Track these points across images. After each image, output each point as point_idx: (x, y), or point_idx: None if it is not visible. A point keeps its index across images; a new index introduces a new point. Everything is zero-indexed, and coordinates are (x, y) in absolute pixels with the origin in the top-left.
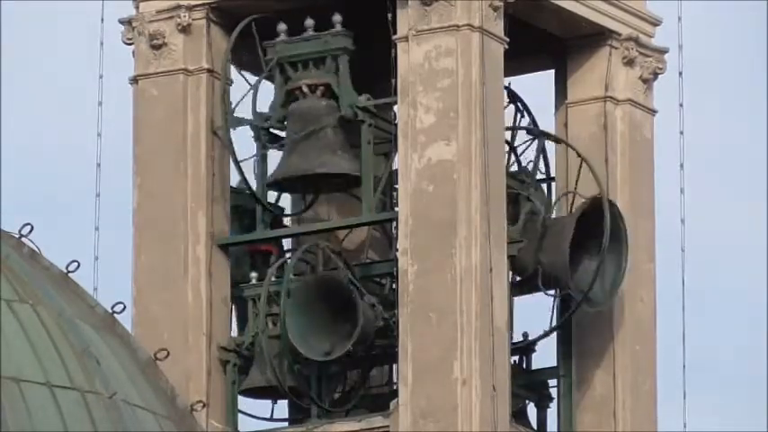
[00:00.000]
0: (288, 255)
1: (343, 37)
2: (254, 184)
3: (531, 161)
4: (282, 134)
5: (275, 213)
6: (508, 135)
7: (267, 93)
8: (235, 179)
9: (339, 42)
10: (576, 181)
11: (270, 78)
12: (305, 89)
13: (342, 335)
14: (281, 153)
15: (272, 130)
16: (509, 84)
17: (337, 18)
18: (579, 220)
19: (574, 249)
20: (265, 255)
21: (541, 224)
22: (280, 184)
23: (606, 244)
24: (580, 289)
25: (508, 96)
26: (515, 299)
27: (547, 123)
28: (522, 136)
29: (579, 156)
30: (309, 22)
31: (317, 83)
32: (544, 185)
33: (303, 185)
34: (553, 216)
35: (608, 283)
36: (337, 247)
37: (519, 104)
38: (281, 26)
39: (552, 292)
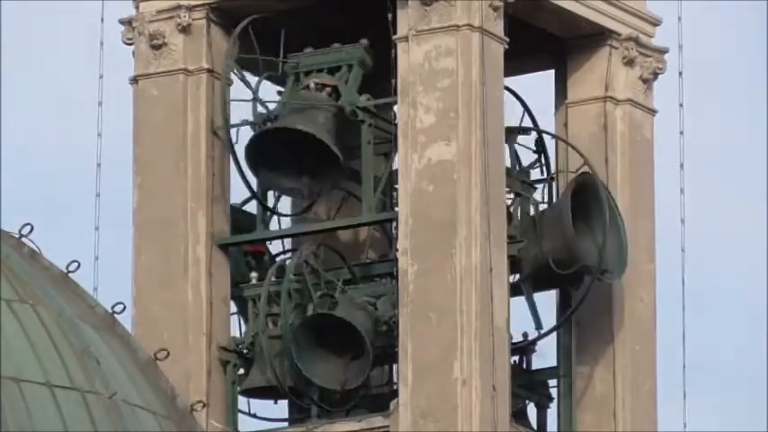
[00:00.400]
0: (286, 255)
1: (364, 51)
2: (253, 184)
3: (518, 160)
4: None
5: (275, 214)
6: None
7: (268, 94)
8: (236, 188)
9: (357, 53)
10: (555, 168)
11: (270, 79)
12: (312, 86)
13: (350, 358)
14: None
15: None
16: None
17: (364, 41)
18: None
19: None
20: (258, 255)
21: (537, 218)
22: (261, 148)
23: (607, 214)
24: (592, 264)
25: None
26: (515, 298)
27: (547, 123)
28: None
29: (581, 155)
30: (337, 44)
31: (326, 83)
32: (544, 185)
33: (286, 152)
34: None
35: (616, 255)
36: (335, 244)
37: (520, 104)
38: (309, 49)
39: (570, 272)
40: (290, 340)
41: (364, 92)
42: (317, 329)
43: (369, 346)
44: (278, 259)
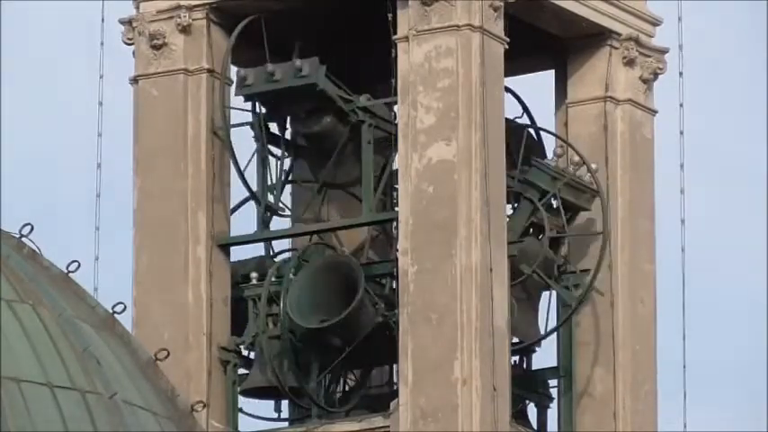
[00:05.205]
0: (286, 254)
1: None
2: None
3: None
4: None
5: (275, 214)
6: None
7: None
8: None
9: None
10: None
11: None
12: None
13: (338, 313)
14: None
15: (272, 130)
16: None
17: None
18: None
19: None
20: None
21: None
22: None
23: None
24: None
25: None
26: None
27: (547, 123)
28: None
29: (580, 156)
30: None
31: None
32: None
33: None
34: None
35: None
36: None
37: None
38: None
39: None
40: (294, 275)
41: (364, 92)
42: (323, 277)
43: (361, 294)
44: (277, 259)
